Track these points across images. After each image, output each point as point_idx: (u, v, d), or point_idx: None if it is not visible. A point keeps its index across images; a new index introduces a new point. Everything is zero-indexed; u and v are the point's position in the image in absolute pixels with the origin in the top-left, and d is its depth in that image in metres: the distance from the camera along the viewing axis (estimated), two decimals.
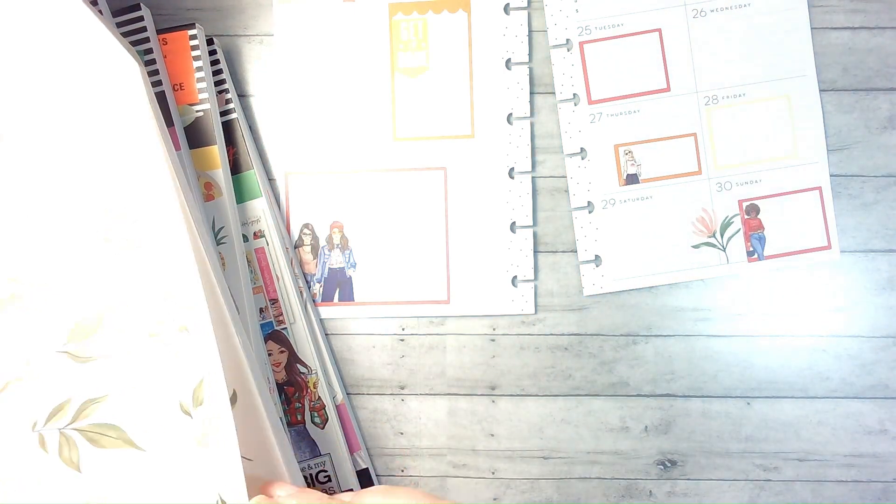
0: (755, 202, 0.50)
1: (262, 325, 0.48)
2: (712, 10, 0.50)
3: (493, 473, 0.50)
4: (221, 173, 0.47)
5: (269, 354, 0.49)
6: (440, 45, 0.50)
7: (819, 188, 0.50)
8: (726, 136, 0.50)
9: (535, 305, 0.50)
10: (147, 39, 0.47)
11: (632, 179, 0.50)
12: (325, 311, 0.50)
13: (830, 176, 0.50)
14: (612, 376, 0.50)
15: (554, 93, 0.51)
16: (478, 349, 0.50)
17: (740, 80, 0.50)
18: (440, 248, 0.50)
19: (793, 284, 0.50)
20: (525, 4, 0.50)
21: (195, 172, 0.47)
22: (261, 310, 0.48)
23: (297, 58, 0.51)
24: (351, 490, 0.48)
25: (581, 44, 0.50)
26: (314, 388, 0.49)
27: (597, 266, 0.50)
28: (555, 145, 0.51)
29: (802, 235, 0.49)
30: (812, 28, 0.50)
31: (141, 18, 0.47)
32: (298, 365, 0.49)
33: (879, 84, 0.50)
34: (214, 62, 0.49)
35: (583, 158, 0.50)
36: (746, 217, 0.50)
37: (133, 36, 0.47)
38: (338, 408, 0.49)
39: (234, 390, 0.36)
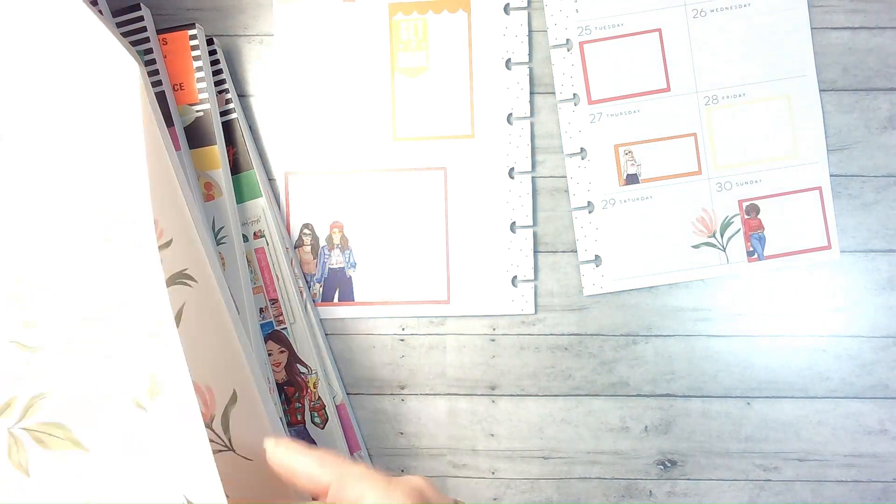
0: (755, 202, 0.50)
1: (262, 325, 0.48)
2: (712, 10, 0.50)
3: (493, 473, 0.50)
4: (221, 173, 0.47)
5: (269, 354, 0.49)
6: (440, 45, 0.50)
7: (819, 188, 0.50)
8: (726, 136, 0.50)
9: (535, 305, 0.50)
10: (147, 39, 0.47)
11: (632, 179, 0.50)
12: (325, 311, 0.50)
13: (830, 176, 0.50)
14: (612, 376, 0.50)
15: (554, 93, 0.51)
16: (478, 349, 0.50)
17: (740, 80, 0.50)
18: (440, 248, 0.50)
19: (793, 284, 0.50)
20: (525, 4, 0.50)
21: (195, 172, 0.47)
22: (261, 310, 0.49)
23: (297, 58, 0.51)
24: None
25: (581, 44, 0.50)
26: (314, 388, 0.49)
27: (597, 266, 0.50)
28: (555, 145, 0.51)
29: (802, 235, 0.49)
30: (812, 28, 0.50)
31: (141, 18, 0.47)
32: (298, 365, 0.49)
33: (879, 84, 0.50)
34: (214, 62, 0.49)
35: (583, 158, 0.50)
36: (746, 217, 0.50)
37: (133, 36, 0.47)
38: (338, 408, 0.49)
39: (234, 390, 0.36)
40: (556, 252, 0.50)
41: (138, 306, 0.30)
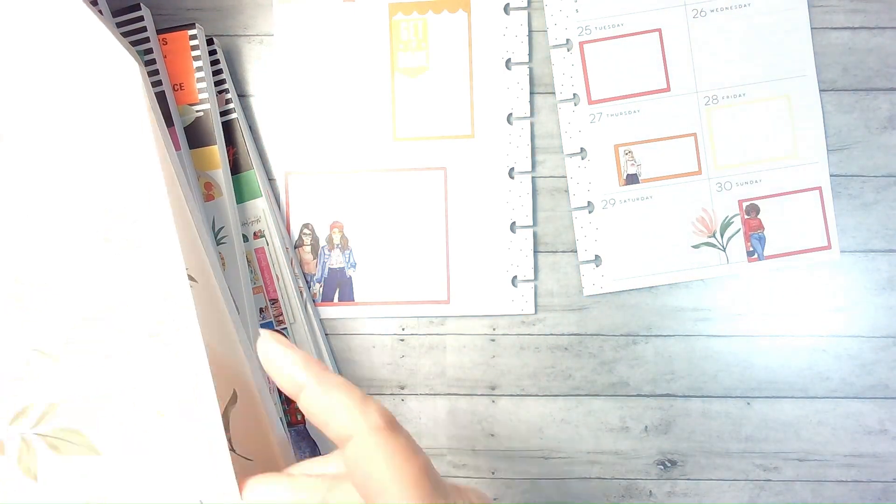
0: (755, 202, 0.50)
1: (262, 325, 0.48)
2: (712, 10, 0.50)
3: (493, 473, 0.50)
4: (221, 173, 0.47)
5: None
6: (440, 45, 0.50)
7: (819, 188, 0.50)
8: (726, 136, 0.50)
9: (535, 305, 0.50)
10: (147, 39, 0.47)
11: (632, 179, 0.50)
12: (325, 311, 0.50)
13: (830, 176, 0.50)
14: (612, 376, 0.50)
15: (554, 93, 0.51)
16: (478, 349, 0.50)
17: (740, 80, 0.50)
18: (440, 248, 0.50)
19: (793, 284, 0.50)
20: (525, 4, 0.50)
21: (195, 172, 0.47)
22: (261, 310, 0.49)
23: (297, 58, 0.51)
24: None
25: (581, 44, 0.50)
26: None
27: (597, 266, 0.50)
28: (555, 145, 0.51)
29: (802, 235, 0.49)
30: (812, 28, 0.50)
31: (141, 18, 0.47)
32: None
33: (879, 84, 0.50)
34: (214, 62, 0.49)
35: (583, 158, 0.50)
36: (746, 217, 0.50)
37: (133, 36, 0.47)
38: None
39: (234, 390, 0.36)
40: (556, 252, 0.50)
41: (138, 306, 0.30)
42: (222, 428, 0.28)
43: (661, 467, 0.50)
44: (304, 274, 0.51)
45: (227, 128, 0.49)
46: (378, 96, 0.51)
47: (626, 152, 0.50)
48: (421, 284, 0.50)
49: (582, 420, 0.50)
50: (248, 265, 0.48)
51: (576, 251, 0.50)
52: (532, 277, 0.50)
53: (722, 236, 0.50)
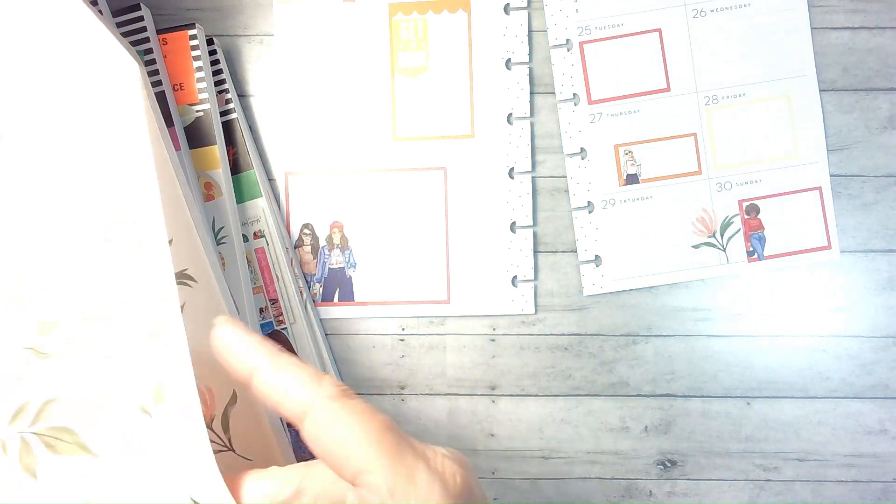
0: (755, 202, 0.50)
1: (262, 325, 0.48)
2: (712, 10, 0.50)
3: (493, 473, 0.50)
4: (221, 173, 0.47)
5: None
6: (440, 45, 0.50)
7: (819, 188, 0.50)
8: (726, 136, 0.50)
9: (535, 305, 0.50)
10: (147, 39, 0.47)
11: (632, 179, 0.50)
12: (325, 311, 0.50)
13: (830, 176, 0.50)
14: (612, 376, 0.50)
15: (554, 93, 0.51)
16: (478, 349, 0.50)
17: (740, 80, 0.50)
18: (440, 248, 0.50)
19: (793, 284, 0.50)
20: (525, 4, 0.50)
21: (195, 172, 0.47)
22: (261, 310, 0.49)
23: (297, 58, 0.51)
24: None
25: (581, 44, 0.50)
26: None
27: (597, 266, 0.50)
28: (555, 145, 0.51)
29: (802, 235, 0.49)
30: (812, 28, 0.50)
31: (141, 18, 0.47)
32: None
33: (879, 84, 0.50)
34: (214, 62, 0.49)
35: (583, 158, 0.50)
36: (746, 217, 0.50)
37: (133, 36, 0.47)
38: None
39: (234, 390, 0.36)
40: (556, 252, 0.50)
41: (139, 306, 0.30)
42: (203, 421, 0.28)
43: (661, 467, 0.50)
44: (304, 274, 0.51)
45: (227, 128, 0.49)
46: (378, 96, 0.51)
47: (626, 152, 0.50)
48: (421, 284, 0.50)
49: (582, 420, 0.50)
50: (248, 265, 0.48)
51: (576, 251, 0.50)
52: (532, 277, 0.50)
53: (722, 236, 0.50)
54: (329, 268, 0.51)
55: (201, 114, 0.47)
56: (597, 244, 0.50)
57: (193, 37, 0.47)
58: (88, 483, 0.28)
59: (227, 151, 0.48)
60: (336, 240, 0.51)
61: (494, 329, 0.50)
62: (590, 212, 0.50)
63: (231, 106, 0.49)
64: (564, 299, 0.50)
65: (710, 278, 0.50)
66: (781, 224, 0.50)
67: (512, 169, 0.50)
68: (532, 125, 0.51)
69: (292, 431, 0.49)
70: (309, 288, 0.50)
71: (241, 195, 0.49)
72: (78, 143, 0.32)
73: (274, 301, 0.49)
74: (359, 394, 0.51)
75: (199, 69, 0.47)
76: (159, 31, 0.47)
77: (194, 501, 0.28)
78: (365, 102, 0.51)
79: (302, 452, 0.49)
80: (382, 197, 0.51)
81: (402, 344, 0.50)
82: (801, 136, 0.50)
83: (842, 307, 0.49)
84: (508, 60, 0.50)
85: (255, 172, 0.49)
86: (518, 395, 0.50)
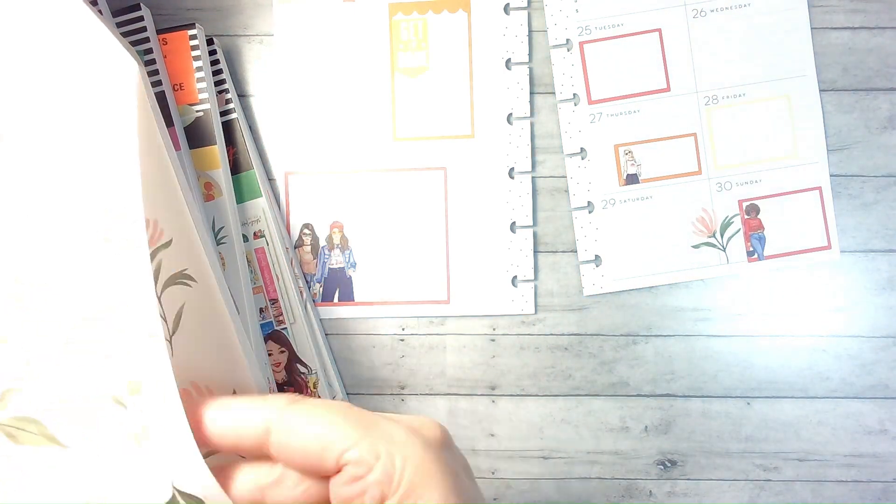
0: (755, 202, 0.50)
1: (262, 325, 0.48)
2: (712, 10, 0.50)
3: (493, 473, 0.50)
4: (221, 173, 0.47)
5: (269, 354, 0.49)
6: (440, 45, 0.50)
7: (819, 188, 0.50)
8: (726, 136, 0.50)
9: (535, 305, 0.50)
10: (147, 39, 0.47)
11: (632, 179, 0.50)
12: (325, 311, 0.50)
13: (830, 176, 0.50)
14: (612, 376, 0.50)
15: (554, 93, 0.51)
16: (478, 349, 0.50)
17: (740, 80, 0.50)
18: (440, 248, 0.50)
19: (793, 284, 0.50)
20: (525, 4, 0.50)
21: (195, 172, 0.47)
22: (261, 310, 0.48)
23: (297, 58, 0.51)
24: None
25: (581, 44, 0.50)
26: (314, 388, 0.49)
27: (597, 266, 0.50)
28: (555, 145, 0.51)
29: (802, 235, 0.49)
30: (812, 28, 0.50)
31: (141, 18, 0.47)
32: (298, 365, 0.49)
33: (879, 84, 0.50)
34: (214, 62, 0.49)
35: (583, 158, 0.50)
36: (746, 217, 0.50)
37: (133, 36, 0.47)
38: None
39: (233, 390, 0.36)
40: (556, 252, 0.50)
41: (139, 306, 0.30)
42: (183, 411, 0.28)
43: (661, 467, 0.50)
44: (304, 274, 0.51)
45: (227, 128, 0.49)
46: (378, 96, 0.51)
47: (626, 152, 0.50)
48: (421, 284, 0.50)
49: (582, 420, 0.50)
50: (248, 265, 0.48)
51: (576, 251, 0.50)
52: (532, 277, 0.50)
53: (722, 236, 0.50)
54: (329, 268, 0.51)
55: (201, 114, 0.47)
56: (597, 244, 0.50)
57: (193, 37, 0.47)
58: (56, 474, 0.28)
59: (227, 151, 0.48)
60: (336, 240, 0.51)
61: (494, 329, 0.50)
62: (590, 212, 0.50)
63: (231, 106, 0.49)
64: (564, 299, 0.50)
65: (710, 278, 0.50)
66: (781, 224, 0.50)
67: (512, 169, 0.50)
68: (532, 125, 0.51)
69: None
70: (309, 288, 0.50)
71: (241, 195, 0.49)
72: (78, 142, 0.32)
73: (274, 301, 0.49)
74: (359, 394, 0.51)
75: (199, 69, 0.47)
76: (159, 31, 0.47)
77: (177, 489, 0.28)
78: (365, 102, 0.51)
79: None
80: (382, 197, 0.51)
81: (402, 344, 0.50)
82: (801, 136, 0.50)
83: (842, 307, 0.49)
84: (508, 60, 0.50)
85: (255, 172, 0.49)
86: (518, 395, 0.50)
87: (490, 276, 0.50)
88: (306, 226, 0.51)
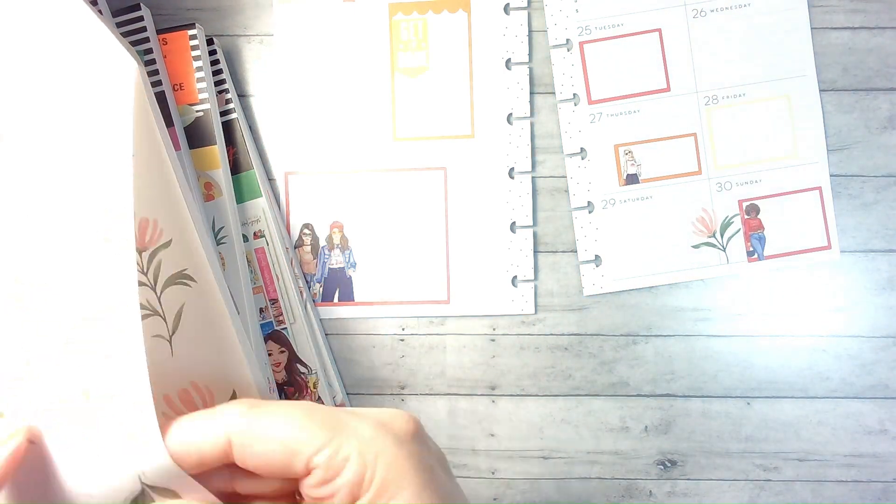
0: (755, 202, 0.50)
1: (262, 325, 0.48)
2: (712, 10, 0.50)
3: (493, 473, 0.50)
4: (221, 173, 0.47)
5: (269, 354, 0.49)
6: (440, 45, 0.50)
7: (819, 188, 0.50)
8: (726, 136, 0.50)
9: (535, 305, 0.50)
10: (147, 39, 0.47)
11: (632, 179, 0.50)
12: (325, 311, 0.50)
13: (830, 176, 0.50)
14: (612, 376, 0.50)
15: (554, 93, 0.51)
16: (478, 349, 0.50)
17: (740, 80, 0.50)
18: (440, 248, 0.50)
19: (793, 284, 0.50)
20: (525, 4, 0.50)
21: (195, 172, 0.47)
22: (261, 310, 0.49)
23: (297, 58, 0.51)
24: None
25: (581, 44, 0.50)
26: (314, 388, 0.49)
27: (597, 266, 0.50)
28: (555, 145, 0.51)
29: (802, 235, 0.49)
30: (812, 28, 0.50)
31: (141, 18, 0.47)
32: (298, 365, 0.49)
33: (879, 84, 0.50)
34: (214, 62, 0.49)
35: (583, 158, 0.50)
36: (746, 217, 0.50)
37: (133, 36, 0.47)
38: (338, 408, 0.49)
39: (233, 390, 0.36)
40: (556, 252, 0.50)
41: (139, 306, 0.30)
42: (152, 402, 0.28)
43: (661, 467, 0.50)
44: (304, 274, 0.51)
45: (227, 128, 0.49)
46: (378, 96, 0.51)
47: (626, 152, 0.50)
48: (421, 284, 0.50)
49: (582, 420, 0.50)
50: (248, 265, 0.48)
51: (576, 251, 0.50)
52: (532, 277, 0.50)
53: (722, 236, 0.50)
54: (329, 268, 0.51)
55: (201, 114, 0.47)
56: (597, 244, 0.50)
57: (193, 37, 0.47)
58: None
59: (227, 151, 0.48)
60: (336, 240, 0.51)
61: (494, 329, 0.50)
62: (590, 212, 0.50)
63: (231, 106, 0.49)
64: (564, 299, 0.50)
65: (710, 278, 0.50)
66: (781, 224, 0.50)
67: (512, 169, 0.50)
68: (532, 125, 0.51)
69: None
70: (309, 288, 0.50)
71: (241, 195, 0.49)
72: (78, 142, 0.32)
73: (274, 301, 0.49)
74: (359, 394, 0.51)
75: (199, 69, 0.47)
76: (159, 31, 0.47)
77: (145, 483, 0.27)
78: (365, 102, 0.51)
79: None
80: (382, 197, 0.51)
81: (402, 344, 0.50)
82: (801, 136, 0.50)
83: (842, 307, 0.49)
84: (508, 60, 0.50)
85: (255, 172, 0.49)
86: (518, 395, 0.50)
87: (490, 276, 0.50)
88: (306, 226, 0.51)
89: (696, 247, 0.50)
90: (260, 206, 0.49)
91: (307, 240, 0.51)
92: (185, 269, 0.35)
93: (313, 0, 0.51)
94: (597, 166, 0.50)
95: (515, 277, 0.50)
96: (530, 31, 0.51)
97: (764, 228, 0.50)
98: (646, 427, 0.50)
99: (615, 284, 0.50)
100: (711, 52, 0.50)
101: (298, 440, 0.24)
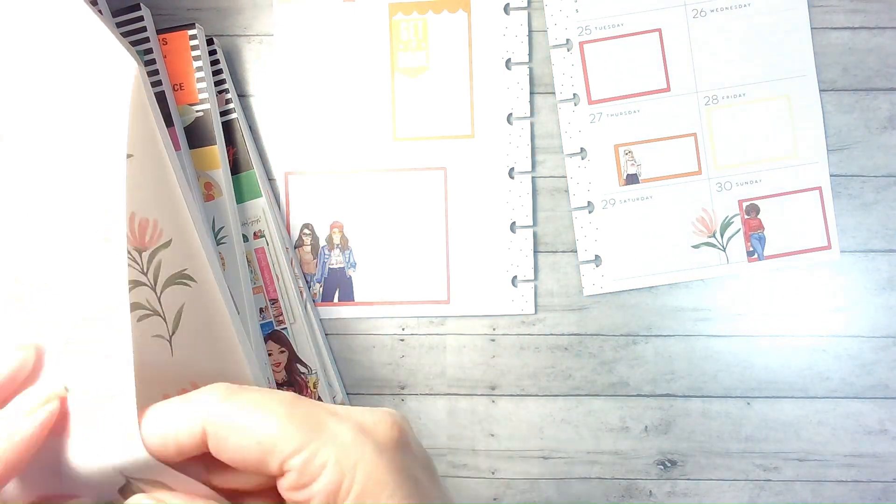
0: (755, 202, 0.50)
1: (262, 325, 0.48)
2: (712, 10, 0.50)
3: (493, 473, 0.50)
4: (221, 173, 0.47)
5: (269, 354, 0.49)
6: (440, 45, 0.50)
7: (819, 188, 0.50)
8: (726, 136, 0.50)
9: (535, 305, 0.50)
10: (147, 39, 0.47)
11: (632, 179, 0.50)
12: (325, 311, 0.50)
13: (830, 176, 0.50)
14: (612, 376, 0.50)
15: (554, 93, 0.51)
16: (478, 349, 0.50)
17: (740, 80, 0.50)
18: (440, 248, 0.50)
19: (793, 284, 0.50)
20: (525, 4, 0.50)
21: (195, 172, 0.47)
22: (261, 310, 0.49)
23: (297, 58, 0.51)
24: None
25: (581, 44, 0.50)
26: (314, 388, 0.49)
27: (597, 266, 0.50)
28: (555, 145, 0.51)
29: (802, 235, 0.49)
30: (812, 28, 0.50)
31: (141, 18, 0.47)
32: (298, 365, 0.49)
33: (879, 84, 0.50)
34: (214, 62, 0.49)
35: (583, 158, 0.50)
36: (746, 217, 0.50)
37: (133, 36, 0.47)
38: None
39: None
40: (556, 252, 0.50)
41: (116, 298, 0.30)
42: (133, 399, 0.27)
43: (661, 467, 0.50)
44: (304, 274, 0.51)
45: (227, 128, 0.49)
46: (378, 96, 0.51)
47: (626, 152, 0.50)
48: (421, 284, 0.50)
49: (582, 420, 0.50)
50: (248, 265, 0.48)
51: (576, 251, 0.50)
52: (532, 277, 0.50)
53: (722, 236, 0.50)
54: (329, 268, 0.51)
55: (201, 114, 0.47)
56: (597, 244, 0.50)
57: (193, 37, 0.47)
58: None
59: (227, 151, 0.48)
60: (336, 240, 0.51)
61: (494, 329, 0.50)
62: (590, 212, 0.50)
63: (231, 106, 0.49)
64: (564, 299, 0.50)
65: (710, 278, 0.50)
66: (781, 224, 0.50)
67: (512, 169, 0.50)
68: (532, 125, 0.51)
69: None
70: (309, 288, 0.50)
71: (241, 195, 0.49)
72: (78, 142, 0.32)
73: (274, 301, 0.49)
74: (359, 394, 0.51)
75: (199, 69, 0.47)
76: (159, 31, 0.47)
77: (128, 477, 0.27)
78: (365, 102, 0.51)
79: None
80: (382, 197, 0.51)
81: (402, 344, 0.50)
82: (801, 136, 0.50)
83: (842, 307, 0.49)
84: (508, 60, 0.50)
85: (255, 172, 0.49)
86: (518, 395, 0.50)
87: (490, 276, 0.50)
88: (306, 226, 0.51)
89: (696, 247, 0.50)
90: (260, 206, 0.49)
91: (307, 240, 0.51)
92: (185, 269, 0.35)
93: (313, 0, 0.51)
94: (597, 166, 0.50)
95: (515, 277, 0.50)
96: (530, 31, 0.51)
97: (764, 228, 0.50)
98: (646, 427, 0.50)
99: (615, 284, 0.50)
100: (711, 52, 0.50)
101: (274, 438, 0.23)
